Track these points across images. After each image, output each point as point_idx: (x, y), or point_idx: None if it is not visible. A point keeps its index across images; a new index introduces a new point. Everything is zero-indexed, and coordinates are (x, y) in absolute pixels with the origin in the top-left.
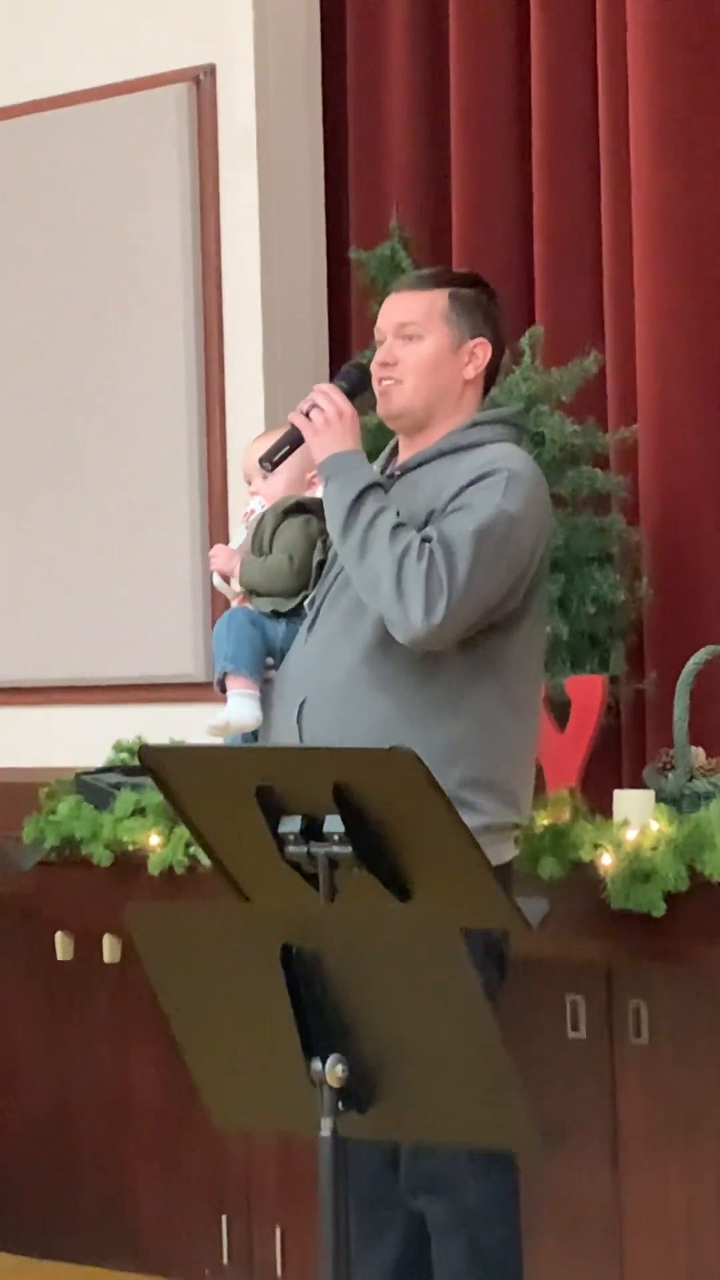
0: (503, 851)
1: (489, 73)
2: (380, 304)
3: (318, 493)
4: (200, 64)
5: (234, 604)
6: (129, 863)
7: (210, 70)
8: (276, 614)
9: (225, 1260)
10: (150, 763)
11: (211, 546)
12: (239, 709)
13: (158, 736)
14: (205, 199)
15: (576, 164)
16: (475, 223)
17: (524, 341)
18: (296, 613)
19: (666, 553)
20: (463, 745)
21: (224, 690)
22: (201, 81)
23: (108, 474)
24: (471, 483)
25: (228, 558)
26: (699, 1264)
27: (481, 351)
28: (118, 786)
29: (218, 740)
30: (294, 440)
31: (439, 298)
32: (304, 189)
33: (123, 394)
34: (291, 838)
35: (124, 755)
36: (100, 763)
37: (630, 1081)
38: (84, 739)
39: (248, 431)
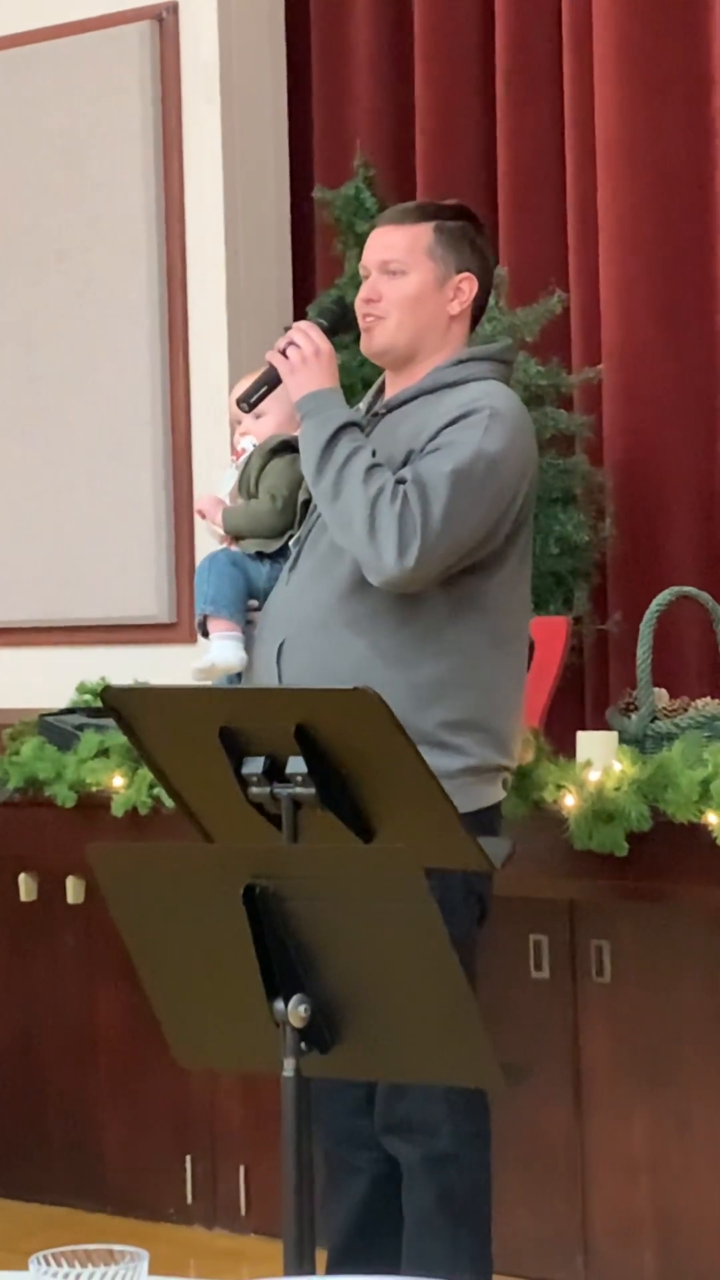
0: (488, 794)
1: (453, 10)
2: (344, 242)
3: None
4: (163, 1)
5: (223, 545)
6: (92, 804)
7: (173, 8)
8: (261, 555)
9: (189, 1199)
10: (113, 704)
11: (174, 485)
12: (223, 650)
13: (122, 678)
14: (168, 137)
15: (541, 104)
16: (439, 162)
17: None
18: (282, 553)
19: (631, 493)
20: (443, 685)
21: (205, 633)
22: (164, 19)
23: (70, 413)
24: (451, 422)
25: (212, 505)
26: (661, 1200)
27: (468, 286)
28: (81, 728)
29: (206, 682)
30: (271, 380)
31: (423, 231)
32: (267, 127)
33: (85, 333)
34: (255, 779)
35: (87, 697)
36: (64, 704)
37: (593, 1020)
38: (47, 680)
39: (211, 370)
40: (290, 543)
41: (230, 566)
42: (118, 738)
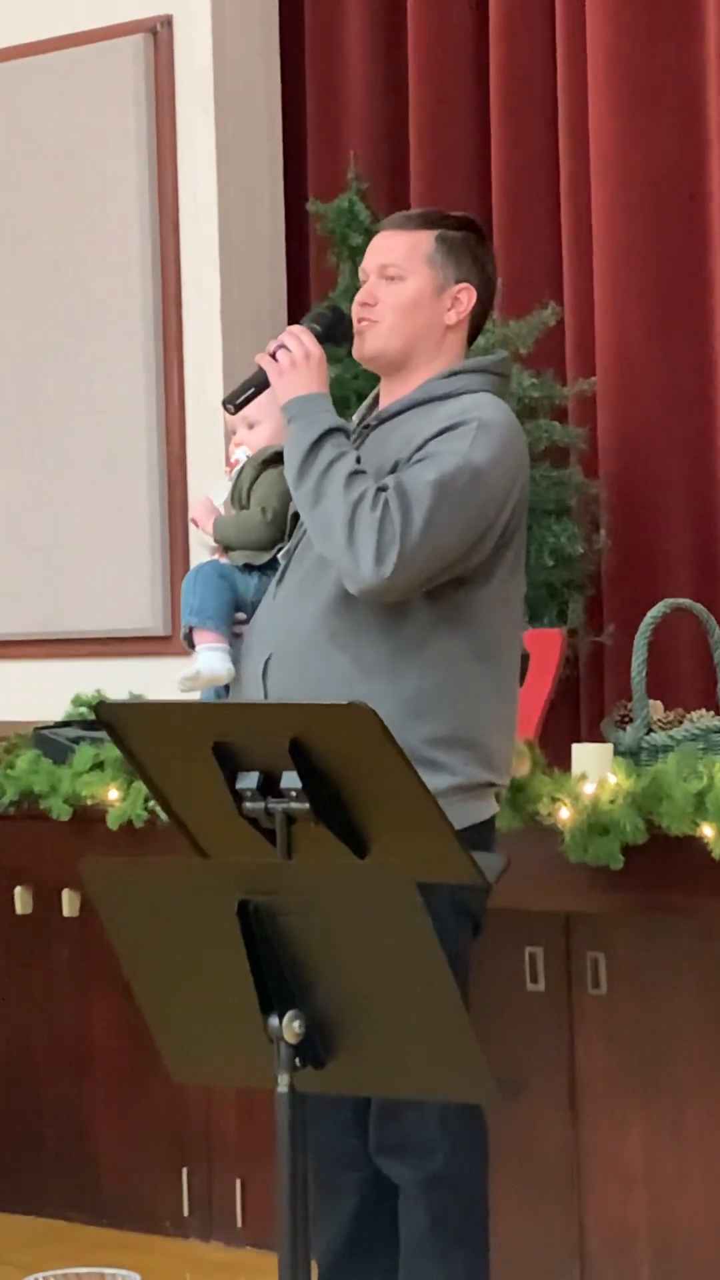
0: (478, 810)
1: (448, 23)
2: (337, 255)
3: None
4: (158, 14)
5: (214, 556)
6: (88, 817)
7: (167, 21)
8: (250, 567)
9: (186, 1212)
10: (107, 718)
11: (169, 497)
12: (209, 661)
13: (117, 691)
14: (163, 149)
15: (535, 116)
16: (433, 174)
17: None
18: (271, 566)
19: (625, 505)
20: (428, 700)
21: (192, 645)
22: (159, 32)
23: (66, 424)
24: (439, 433)
25: (206, 510)
26: (657, 1211)
27: (465, 297)
28: (76, 741)
29: (192, 694)
30: (259, 382)
31: (424, 239)
32: (262, 140)
33: (80, 344)
34: (249, 794)
35: (83, 709)
36: (59, 717)
37: (588, 1032)
38: (43, 693)
39: (206, 382)
40: (279, 555)
41: (217, 578)
42: (113, 751)
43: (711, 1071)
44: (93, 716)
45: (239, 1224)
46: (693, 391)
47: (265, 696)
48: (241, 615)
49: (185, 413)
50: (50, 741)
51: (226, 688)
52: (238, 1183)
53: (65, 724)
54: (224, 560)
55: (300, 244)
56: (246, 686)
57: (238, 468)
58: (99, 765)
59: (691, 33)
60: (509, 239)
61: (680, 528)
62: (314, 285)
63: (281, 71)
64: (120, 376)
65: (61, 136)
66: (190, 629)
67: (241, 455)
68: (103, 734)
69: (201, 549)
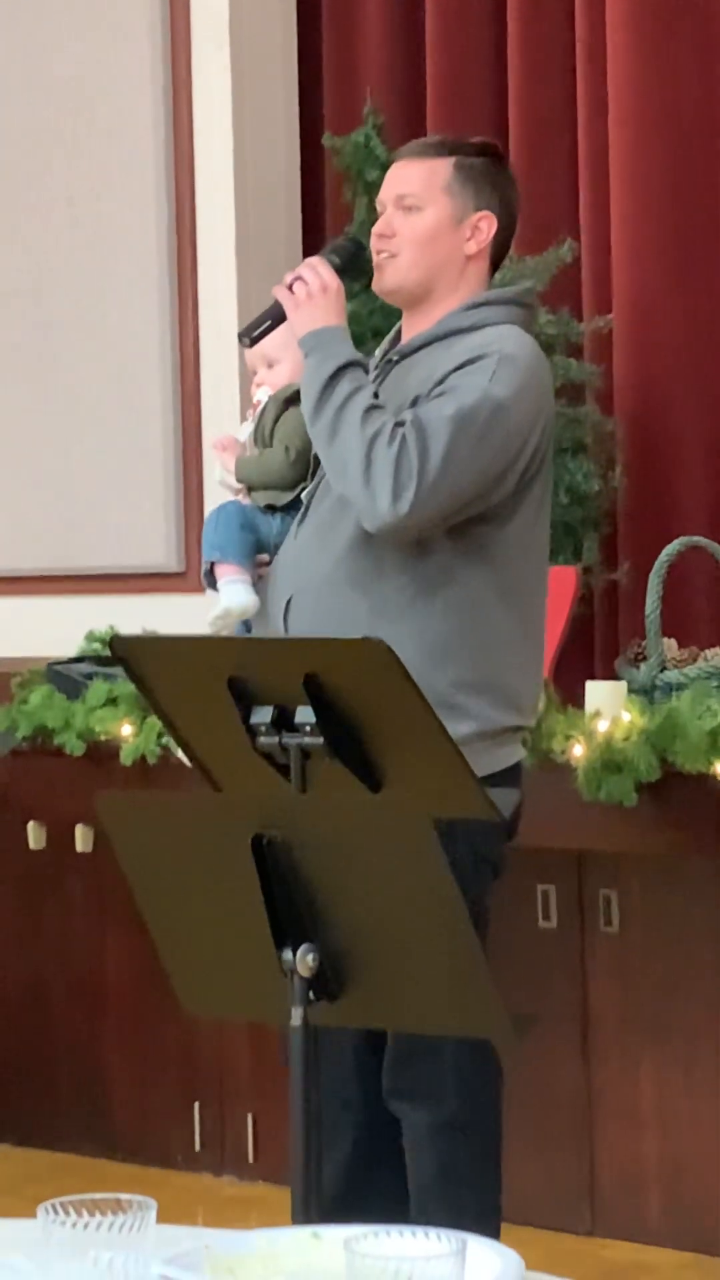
0: (502, 756)
1: None
2: (353, 190)
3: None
4: None
5: (237, 498)
6: (101, 752)
7: None
8: (272, 508)
9: (197, 1146)
10: (122, 653)
11: (183, 433)
12: (234, 594)
13: (130, 627)
14: (178, 84)
15: (553, 49)
16: (450, 109)
17: None
18: (293, 506)
19: (641, 442)
20: (451, 643)
21: (213, 584)
22: None
23: (79, 361)
24: (459, 366)
25: (230, 445)
26: (668, 1150)
27: (486, 225)
28: (90, 676)
29: (222, 630)
30: (275, 315)
31: (441, 167)
32: (277, 74)
33: (94, 280)
34: (263, 728)
35: (96, 645)
36: (73, 653)
37: (600, 970)
38: (56, 629)
39: (220, 318)
40: (301, 495)
41: (239, 517)
42: (126, 686)
43: None
44: (106, 652)
45: (251, 1159)
46: (709, 328)
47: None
48: (264, 557)
49: (199, 349)
50: (63, 677)
51: (249, 624)
52: (249, 1117)
53: (78, 659)
54: (246, 502)
55: (316, 179)
56: (269, 627)
57: (260, 408)
58: (112, 701)
59: None
60: (526, 174)
61: (696, 466)
62: (330, 220)
63: (297, 4)
64: (134, 312)
65: (76, 70)
66: (212, 565)
67: (263, 395)
68: (116, 669)
69: (221, 489)
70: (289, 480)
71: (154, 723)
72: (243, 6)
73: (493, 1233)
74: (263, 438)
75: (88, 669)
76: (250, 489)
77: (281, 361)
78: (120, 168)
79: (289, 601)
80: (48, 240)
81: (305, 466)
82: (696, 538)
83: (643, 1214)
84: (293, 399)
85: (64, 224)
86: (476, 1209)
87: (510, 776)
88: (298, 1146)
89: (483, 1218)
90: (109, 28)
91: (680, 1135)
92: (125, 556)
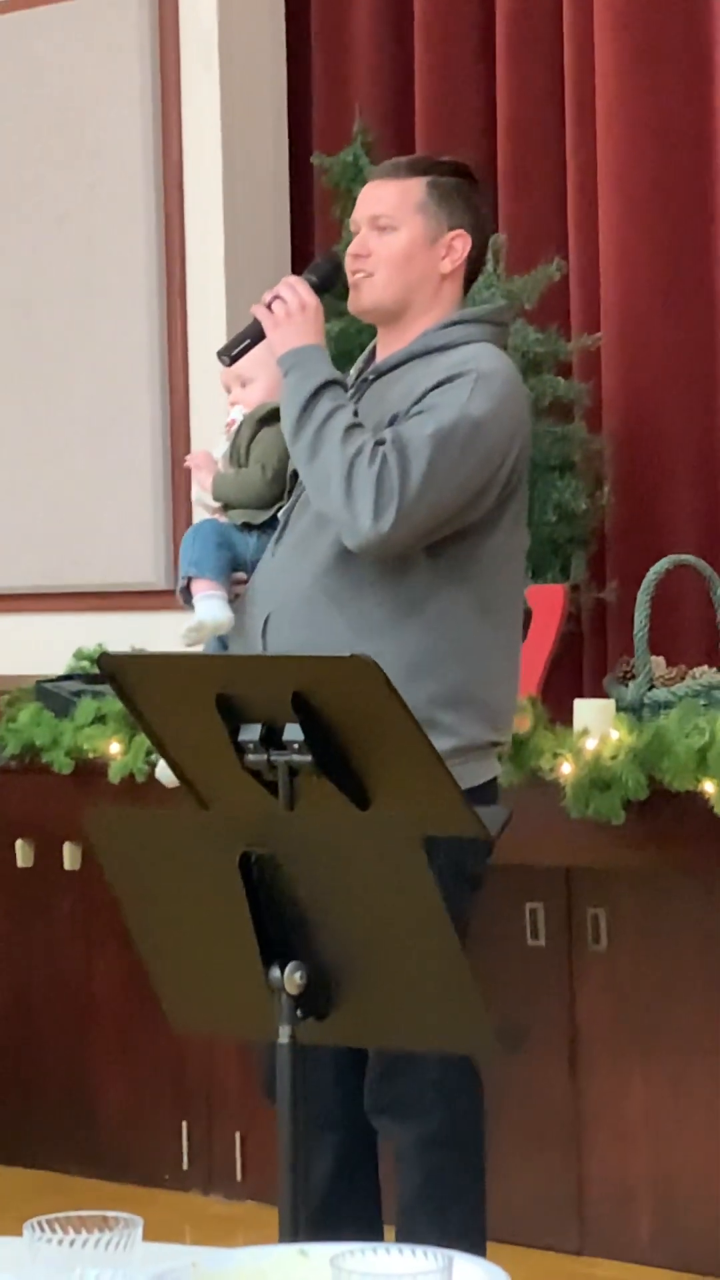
0: (480, 771)
1: None
2: (342, 208)
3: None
4: None
5: (214, 516)
6: (89, 770)
7: None
8: (249, 526)
9: (185, 1165)
10: (110, 670)
11: (172, 450)
12: (209, 609)
13: (119, 644)
14: (167, 103)
15: (541, 68)
16: (439, 128)
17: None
18: (270, 525)
19: (629, 461)
20: (431, 659)
21: (188, 600)
22: None
23: (69, 378)
24: (437, 385)
25: (205, 462)
26: (657, 1165)
27: (460, 244)
28: (78, 694)
29: (196, 647)
30: (254, 334)
31: (415, 186)
32: (266, 92)
33: (84, 297)
34: (251, 746)
35: (85, 663)
36: (61, 670)
37: (589, 988)
38: (45, 646)
39: (210, 336)
40: (279, 513)
41: (216, 535)
42: (115, 704)
43: (711, 1027)
44: (94, 670)
45: (239, 1177)
46: (697, 347)
47: (265, 654)
48: (241, 575)
49: (188, 367)
50: (52, 695)
51: (224, 641)
52: (237, 1136)
53: (67, 677)
54: (223, 520)
55: (305, 197)
56: (246, 646)
57: (235, 426)
58: (100, 718)
59: None
60: (514, 193)
61: (684, 484)
62: (318, 239)
63: (286, 23)
64: (124, 330)
65: (66, 88)
66: (188, 580)
67: (238, 414)
68: (104, 687)
69: (201, 508)
70: (266, 499)
71: (142, 740)
72: (232, 26)
73: (479, 1247)
74: (238, 456)
75: (76, 687)
76: (227, 507)
77: (255, 380)
78: (110, 186)
79: (267, 619)
80: (38, 258)
81: (282, 485)
82: (685, 556)
83: (632, 1232)
84: (268, 418)
85: (54, 241)
86: (462, 1223)
87: (488, 792)
88: (285, 1164)
89: (468, 1232)
90: (99, 47)
91: (670, 1153)
92: (114, 574)
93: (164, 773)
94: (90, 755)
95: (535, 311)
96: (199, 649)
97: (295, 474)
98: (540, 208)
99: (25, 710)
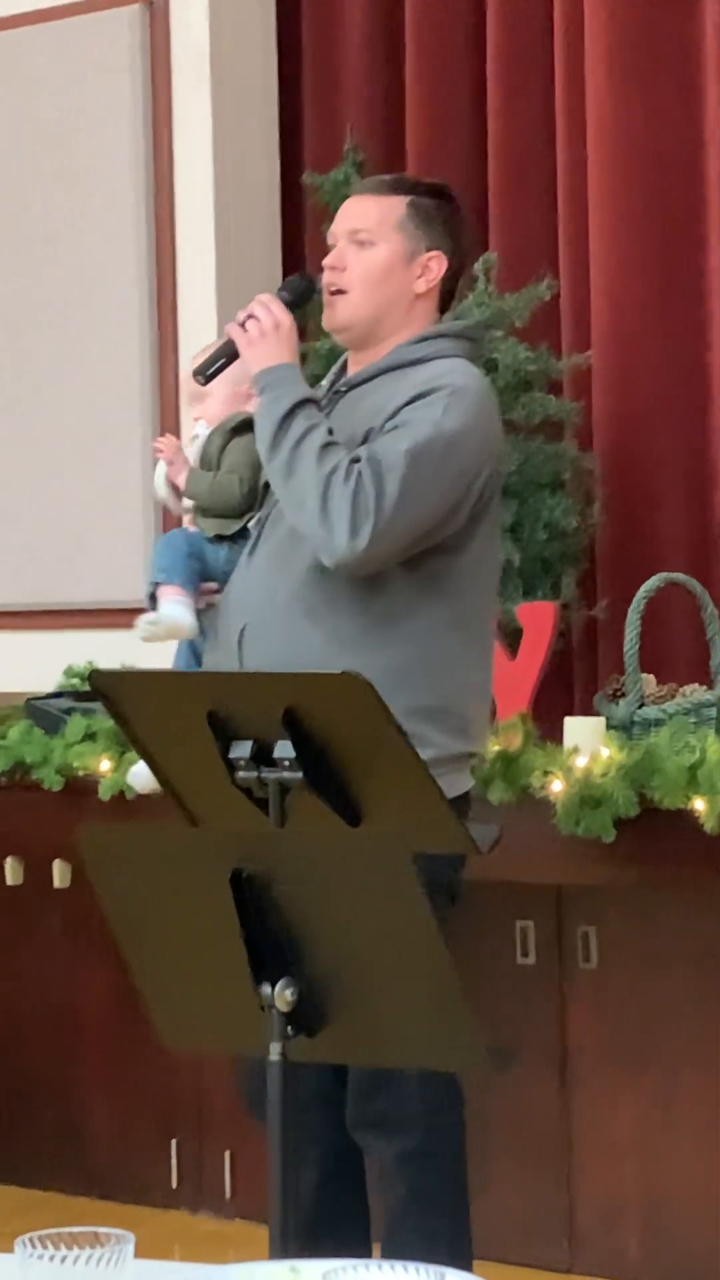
0: (455, 783)
1: None
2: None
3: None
4: None
5: (183, 521)
6: (80, 788)
7: None
8: (220, 537)
9: (175, 1183)
10: (101, 687)
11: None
12: (172, 609)
13: (109, 662)
14: (158, 121)
15: (532, 88)
16: (430, 147)
17: (478, 267)
18: (241, 535)
19: (619, 479)
20: (406, 672)
21: (154, 606)
22: (155, 3)
23: (59, 397)
24: (411, 400)
25: (174, 451)
26: (646, 1184)
27: (436, 265)
28: (69, 711)
29: (153, 640)
30: (229, 352)
31: (396, 205)
32: (258, 112)
33: (75, 316)
34: (242, 762)
35: (75, 680)
36: (51, 688)
37: (579, 1006)
38: (35, 664)
39: None
40: (250, 524)
41: (187, 545)
42: (105, 721)
43: (701, 1045)
44: (85, 687)
45: (228, 1195)
46: (688, 365)
47: (241, 666)
48: (213, 585)
49: (179, 385)
50: (42, 712)
51: (197, 653)
52: (227, 1154)
53: (57, 695)
54: (192, 529)
55: (296, 216)
56: (222, 657)
57: (205, 436)
58: (91, 736)
59: (690, 6)
60: (505, 212)
61: (674, 502)
62: (310, 257)
63: (278, 42)
64: (114, 349)
65: (57, 108)
66: (156, 586)
67: (201, 430)
68: (95, 705)
69: (163, 499)
70: (239, 507)
71: (132, 757)
72: (224, 45)
73: (465, 1261)
74: (209, 465)
75: (66, 704)
76: (198, 509)
77: (213, 394)
78: (101, 205)
79: (244, 630)
80: (28, 277)
81: (254, 496)
82: (675, 574)
83: (622, 1248)
84: (239, 428)
85: (44, 261)
86: (449, 1235)
87: (463, 804)
88: (275, 1180)
89: (455, 1246)
90: (90, 66)
91: (659, 1171)
92: (104, 592)
93: (137, 778)
94: (80, 773)
95: (526, 330)
96: (160, 646)
97: (267, 485)
98: (531, 226)
99: (15, 728)
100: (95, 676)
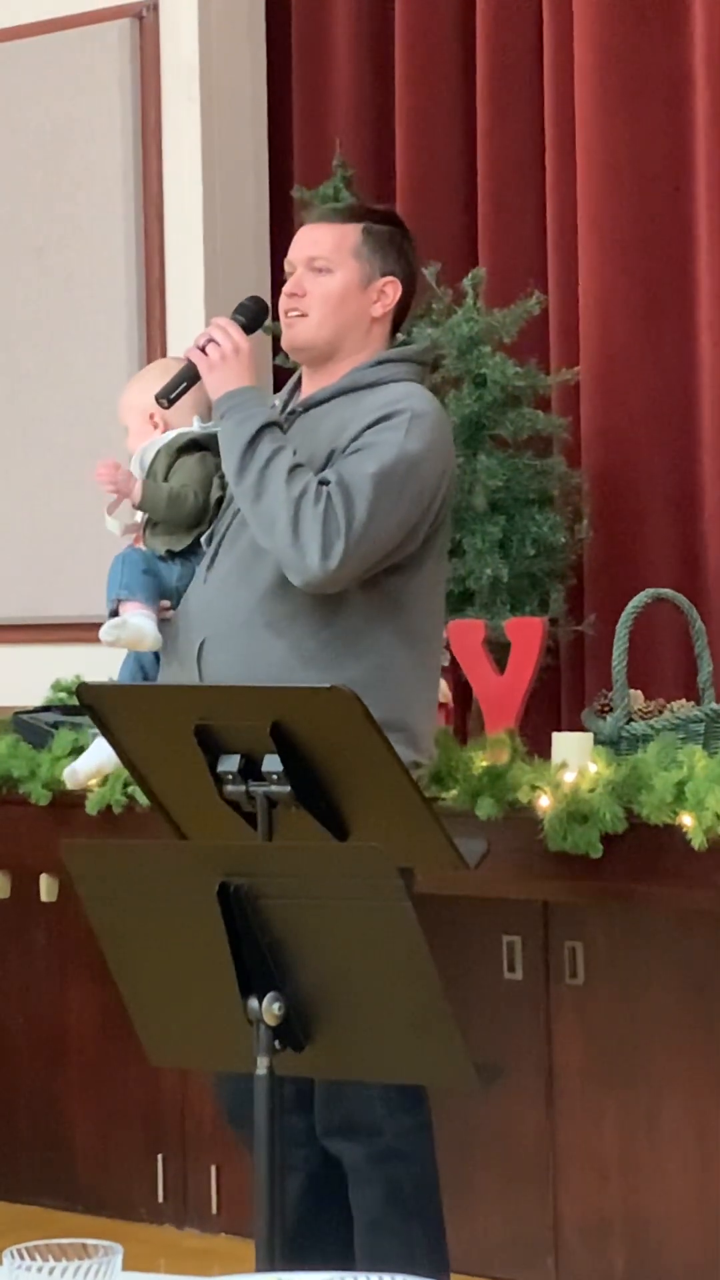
0: None
1: (433, 11)
2: None
3: (195, 428)
4: None
5: (138, 545)
6: (67, 802)
7: (153, 5)
8: (171, 554)
9: (160, 1198)
10: (89, 700)
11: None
12: (138, 620)
13: (96, 676)
14: (147, 135)
15: (521, 104)
16: (419, 162)
17: (466, 282)
18: (191, 551)
19: (607, 495)
20: (365, 687)
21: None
22: (144, 16)
23: (47, 410)
24: (373, 423)
25: (125, 478)
26: (632, 1200)
27: (391, 290)
28: (56, 725)
29: (115, 644)
30: (190, 376)
31: (351, 232)
32: (247, 126)
33: (64, 330)
34: (230, 777)
35: (62, 694)
36: (38, 702)
37: (565, 1022)
38: (22, 678)
39: None
40: (203, 540)
41: (143, 563)
42: (92, 736)
43: (687, 1062)
44: (72, 701)
45: (214, 1211)
46: (676, 382)
47: (200, 679)
48: (166, 603)
49: None
50: (29, 726)
51: (144, 667)
52: (213, 1169)
53: (44, 709)
54: (142, 547)
55: (285, 230)
56: (179, 670)
57: (151, 454)
58: (78, 750)
59: (678, 24)
60: (494, 227)
61: (662, 518)
62: None
63: (267, 57)
64: (103, 363)
65: (45, 121)
66: (118, 602)
67: (138, 455)
68: (82, 719)
69: (115, 528)
70: (191, 521)
71: (120, 772)
72: (213, 59)
73: (442, 1263)
74: (155, 481)
75: (53, 718)
76: (149, 525)
77: (127, 424)
78: (90, 218)
79: (203, 644)
80: (17, 291)
81: (204, 511)
82: (663, 590)
83: (607, 1265)
84: (186, 447)
85: (33, 274)
86: (425, 1238)
87: None
88: (263, 1195)
89: (432, 1247)
90: (79, 77)
91: (645, 1187)
92: (91, 606)
93: (73, 774)
94: (67, 787)
95: (515, 345)
96: (122, 654)
97: (219, 501)
98: (520, 242)
99: (2, 742)
100: (83, 690)
